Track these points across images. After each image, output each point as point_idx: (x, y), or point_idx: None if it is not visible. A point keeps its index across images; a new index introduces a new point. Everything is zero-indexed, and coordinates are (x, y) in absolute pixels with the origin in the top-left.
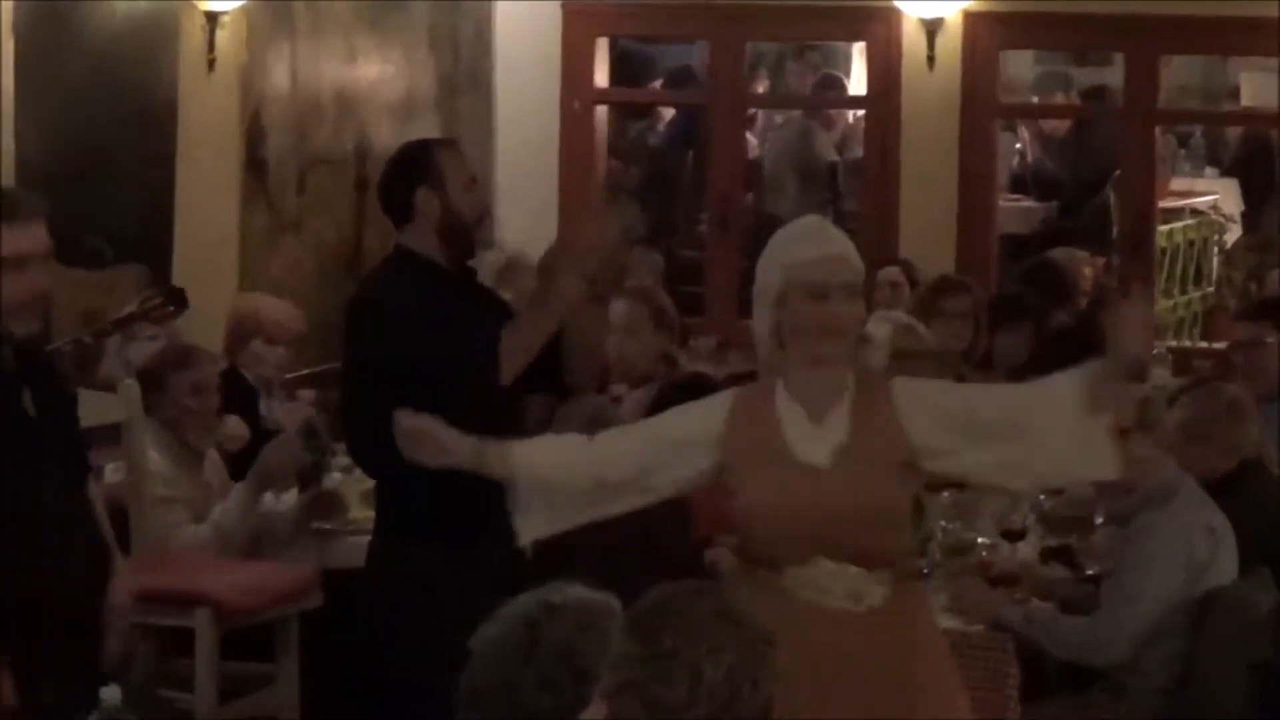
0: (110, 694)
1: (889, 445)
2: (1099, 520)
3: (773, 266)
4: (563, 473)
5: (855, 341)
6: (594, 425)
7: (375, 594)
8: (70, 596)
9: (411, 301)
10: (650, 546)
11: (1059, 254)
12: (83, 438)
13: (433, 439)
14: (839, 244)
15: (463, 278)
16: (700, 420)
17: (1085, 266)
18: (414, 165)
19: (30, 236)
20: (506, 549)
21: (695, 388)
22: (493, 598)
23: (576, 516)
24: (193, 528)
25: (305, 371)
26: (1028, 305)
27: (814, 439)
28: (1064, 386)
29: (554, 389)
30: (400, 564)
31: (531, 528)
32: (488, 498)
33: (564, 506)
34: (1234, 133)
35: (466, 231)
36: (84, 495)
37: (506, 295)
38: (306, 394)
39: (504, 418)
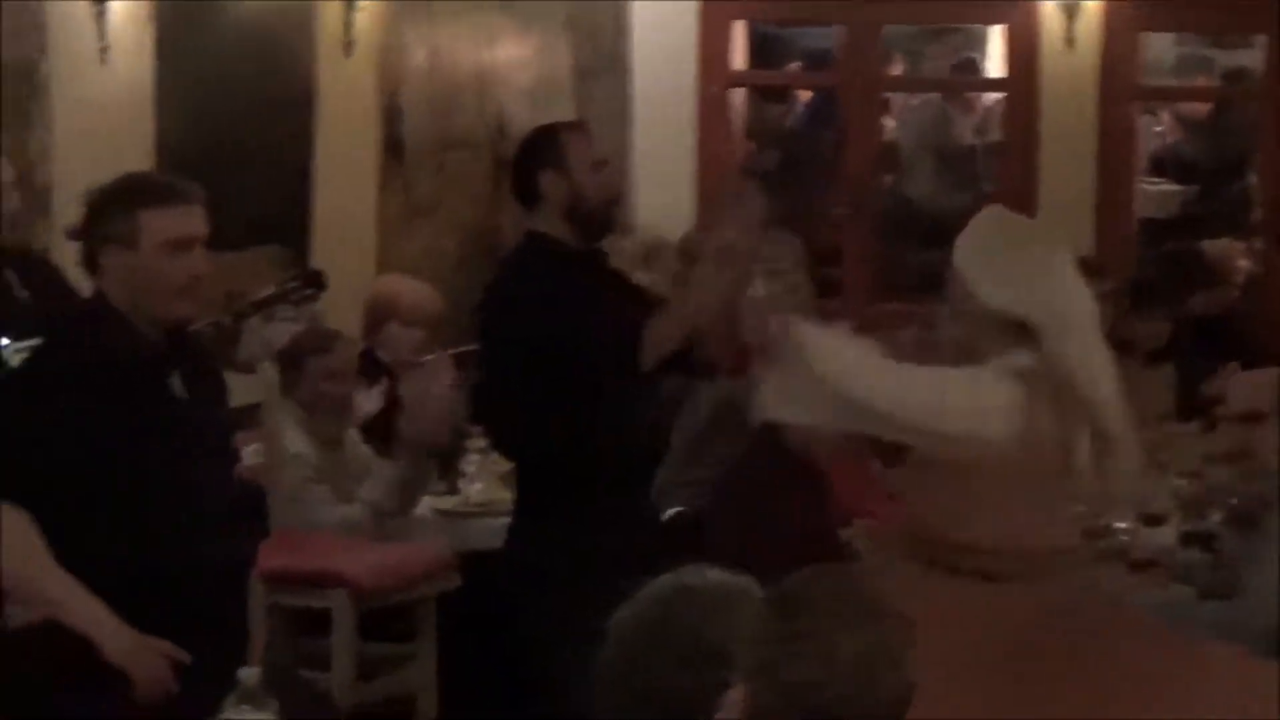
0: (249, 675)
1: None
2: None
3: None
4: (842, 363)
5: None
6: (727, 409)
7: (515, 575)
8: (218, 579)
9: (542, 287)
10: (787, 526)
11: (1215, 245)
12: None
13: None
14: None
15: (594, 261)
16: (1013, 391)
17: (1240, 258)
18: (539, 148)
19: (192, 220)
20: (648, 530)
21: None
22: (632, 579)
23: (821, 413)
24: (343, 507)
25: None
26: (1166, 290)
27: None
28: None
29: (687, 369)
30: (540, 546)
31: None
32: (627, 480)
33: (816, 398)
34: None
35: (594, 215)
36: (233, 478)
37: (648, 279)
38: (438, 355)
39: (642, 400)
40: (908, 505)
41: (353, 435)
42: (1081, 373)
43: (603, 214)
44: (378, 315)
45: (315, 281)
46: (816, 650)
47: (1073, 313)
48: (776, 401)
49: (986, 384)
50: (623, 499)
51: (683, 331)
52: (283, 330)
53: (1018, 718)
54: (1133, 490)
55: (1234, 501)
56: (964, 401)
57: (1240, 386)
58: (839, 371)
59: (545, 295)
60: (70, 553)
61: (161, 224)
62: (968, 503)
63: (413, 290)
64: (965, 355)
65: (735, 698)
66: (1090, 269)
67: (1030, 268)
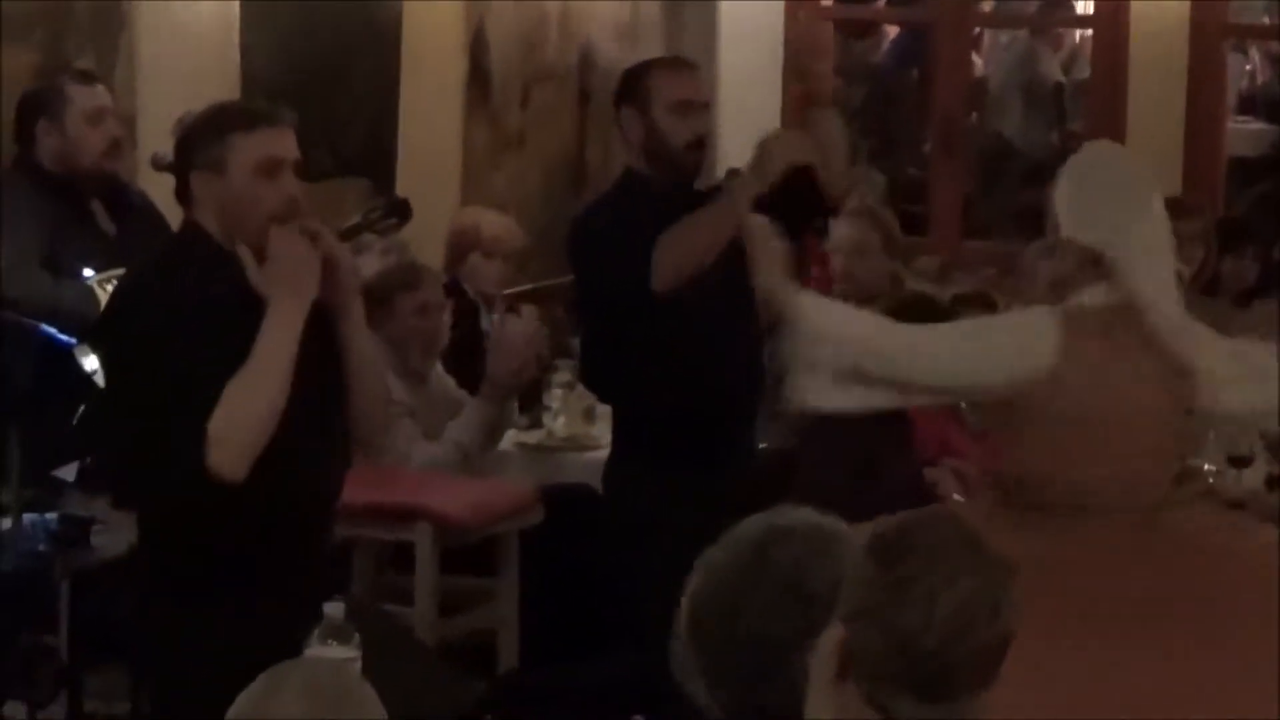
0: (333, 608)
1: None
2: None
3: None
4: (864, 340)
5: None
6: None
7: (609, 514)
8: (304, 510)
9: (625, 224)
10: (873, 468)
11: None
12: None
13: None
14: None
15: (685, 200)
16: (1040, 326)
17: None
18: (625, 85)
19: (281, 143)
20: (738, 475)
21: (922, 309)
22: (720, 522)
23: (860, 396)
24: (430, 446)
25: (528, 286)
26: (1255, 230)
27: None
28: None
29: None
30: (633, 486)
31: (812, 392)
32: (720, 424)
33: (848, 381)
34: None
35: (674, 156)
36: (322, 402)
37: None
38: (530, 309)
39: (739, 336)
40: (993, 445)
41: (438, 370)
42: (1155, 309)
43: (683, 157)
44: (460, 247)
45: (400, 210)
46: (918, 597)
47: (1153, 250)
48: (808, 388)
49: (1000, 330)
50: (721, 439)
51: (694, 244)
52: (373, 262)
53: (1123, 667)
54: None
55: None
56: (992, 347)
57: None
58: (854, 349)
59: (628, 233)
60: (161, 479)
61: (249, 147)
62: (1044, 441)
63: (494, 222)
64: (1054, 290)
65: (831, 640)
66: (1181, 209)
67: (1116, 203)
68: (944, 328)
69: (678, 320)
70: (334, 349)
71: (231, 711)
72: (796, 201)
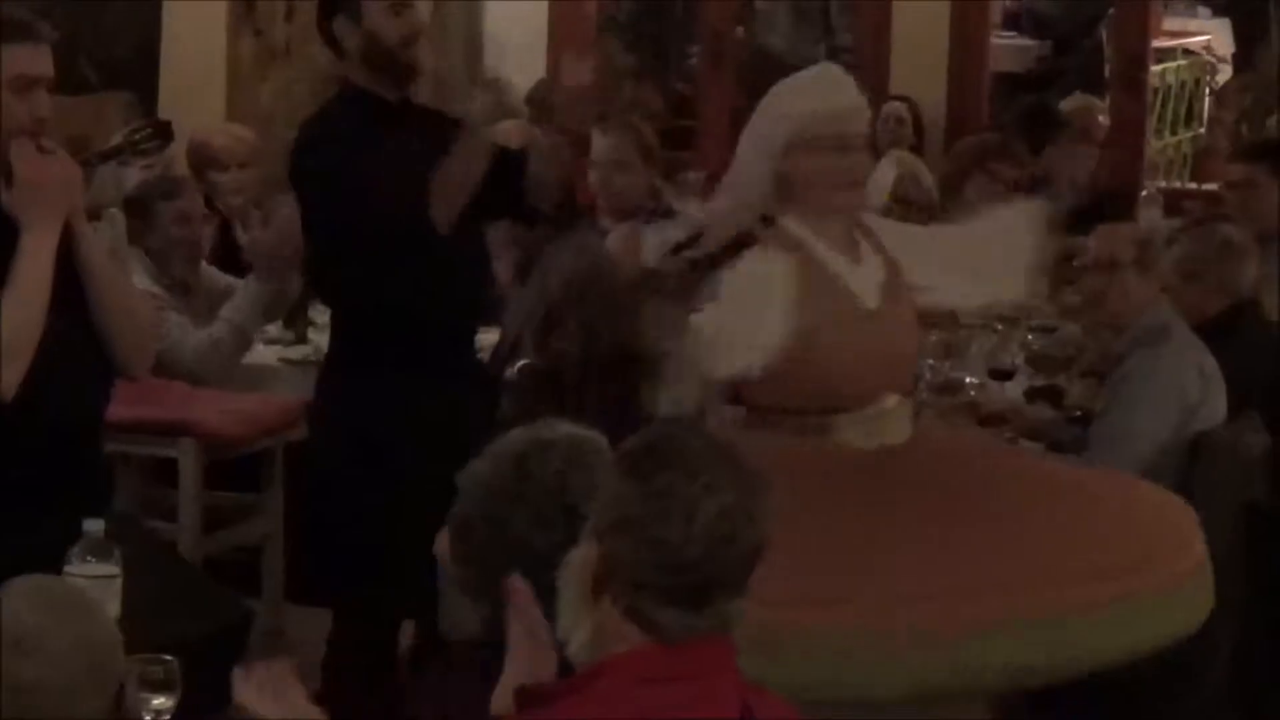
0: (93, 525)
1: (902, 280)
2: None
3: (781, 116)
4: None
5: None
6: (583, 254)
7: (323, 423)
8: (67, 427)
9: (347, 137)
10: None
11: (1074, 101)
12: None
13: None
14: (856, 93)
15: (404, 111)
16: (765, 284)
17: (1099, 114)
18: None
19: (40, 60)
20: (468, 389)
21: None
22: (427, 455)
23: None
24: (203, 331)
25: None
26: (1024, 144)
27: (864, 283)
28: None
29: (519, 216)
30: (353, 388)
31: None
32: (445, 334)
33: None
34: None
35: (392, 57)
36: (81, 321)
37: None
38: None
39: (458, 252)
40: None
41: (207, 269)
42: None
43: (399, 54)
44: (197, 166)
45: (163, 132)
46: (678, 509)
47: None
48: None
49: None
50: (441, 347)
51: (463, 179)
52: (133, 176)
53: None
54: None
55: (1082, 355)
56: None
57: (1099, 236)
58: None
59: (342, 144)
60: None
61: (11, 61)
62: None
63: (221, 134)
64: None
65: (583, 556)
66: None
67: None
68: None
69: (400, 230)
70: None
71: None
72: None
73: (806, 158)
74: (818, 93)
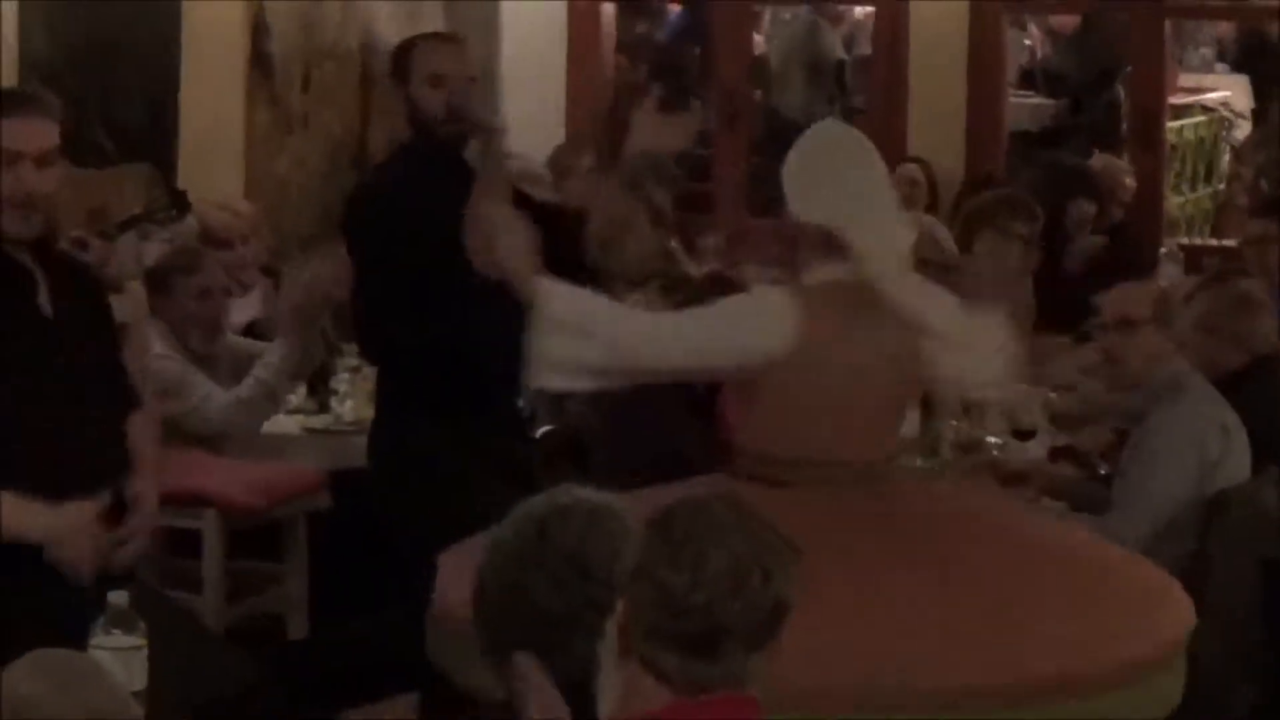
0: (118, 597)
1: (901, 340)
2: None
3: None
4: (596, 328)
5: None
6: None
7: (378, 474)
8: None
9: (400, 190)
10: (668, 448)
11: (1098, 161)
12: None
13: (498, 255)
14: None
15: (456, 171)
16: (775, 307)
17: (1125, 176)
18: (392, 61)
19: (27, 133)
20: (513, 437)
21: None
22: (500, 485)
23: (591, 379)
24: (230, 392)
25: None
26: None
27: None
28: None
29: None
30: (401, 442)
31: (544, 373)
32: (492, 383)
33: (580, 367)
34: (1239, 28)
35: (430, 127)
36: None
37: None
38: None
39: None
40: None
41: (231, 339)
42: (883, 280)
43: (439, 128)
44: (203, 243)
45: (179, 202)
46: (688, 556)
47: (880, 223)
48: (542, 370)
49: (735, 313)
50: (484, 401)
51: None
52: (154, 250)
53: None
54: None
55: (1104, 415)
56: (722, 333)
57: (1115, 295)
58: (597, 335)
59: (397, 195)
60: None
61: None
62: (767, 415)
63: (220, 210)
64: (788, 268)
65: (616, 617)
66: (1019, 210)
67: (840, 181)
68: (681, 315)
69: (449, 282)
70: (100, 331)
71: None
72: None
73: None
74: (819, 153)
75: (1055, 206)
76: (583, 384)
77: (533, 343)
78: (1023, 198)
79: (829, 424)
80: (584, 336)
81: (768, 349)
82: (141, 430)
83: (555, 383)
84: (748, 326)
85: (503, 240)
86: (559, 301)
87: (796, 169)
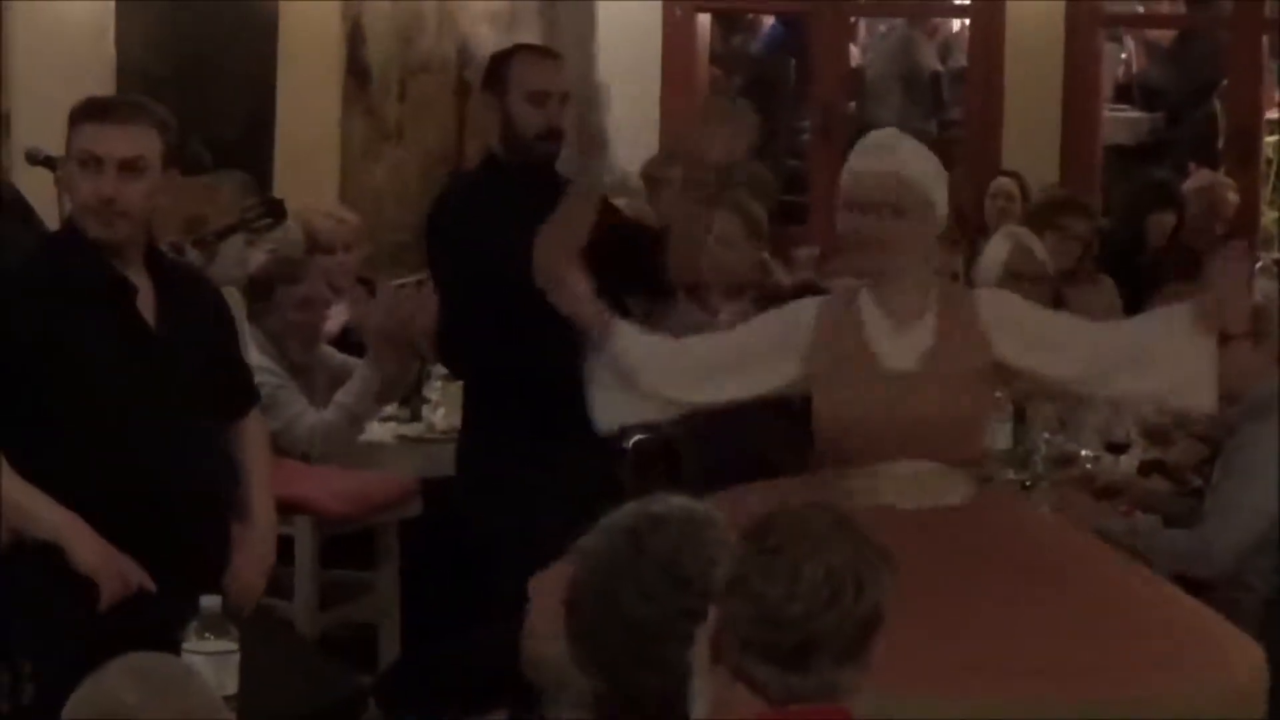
0: (210, 602)
1: (974, 352)
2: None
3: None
4: (647, 363)
5: (906, 257)
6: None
7: (465, 491)
8: (190, 504)
9: (483, 204)
10: (760, 459)
11: (1201, 178)
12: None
13: (568, 287)
14: (889, 159)
15: (545, 185)
16: (786, 328)
17: (1229, 191)
18: (487, 70)
19: (110, 139)
20: (602, 453)
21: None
22: (587, 501)
23: (649, 411)
24: (317, 413)
25: (411, 279)
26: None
27: (900, 344)
28: (1178, 320)
29: (652, 290)
30: (488, 460)
31: (607, 410)
32: (574, 398)
33: (638, 398)
34: None
35: (525, 144)
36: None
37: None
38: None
39: None
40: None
41: (326, 350)
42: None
43: (534, 146)
44: (307, 249)
45: (275, 210)
46: (783, 567)
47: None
48: (597, 416)
49: (765, 332)
50: (567, 420)
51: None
52: (258, 258)
53: None
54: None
55: (1196, 428)
56: (754, 363)
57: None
58: (657, 379)
59: (480, 211)
60: (42, 473)
61: (74, 141)
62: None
63: (321, 218)
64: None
65: (708, 626)
66: (1072, 209)
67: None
68: (725, 347)
69: (529, 297)
70: (194, 344)
71: (70, 699)
72: (626, 265)
73: (839, 215)
74: (856, 154)
75: (1140, 219)
76: (645, 419)
77: (593, 381)
78: (1077, 198)
79: (845, 424)
80: (628, 389)
81: (780, 384)
82: (252, 440)
83: (614, 425)
84: (771, 353)
85: (565, 289)
86: (605, 354)
87: (931, 166)
